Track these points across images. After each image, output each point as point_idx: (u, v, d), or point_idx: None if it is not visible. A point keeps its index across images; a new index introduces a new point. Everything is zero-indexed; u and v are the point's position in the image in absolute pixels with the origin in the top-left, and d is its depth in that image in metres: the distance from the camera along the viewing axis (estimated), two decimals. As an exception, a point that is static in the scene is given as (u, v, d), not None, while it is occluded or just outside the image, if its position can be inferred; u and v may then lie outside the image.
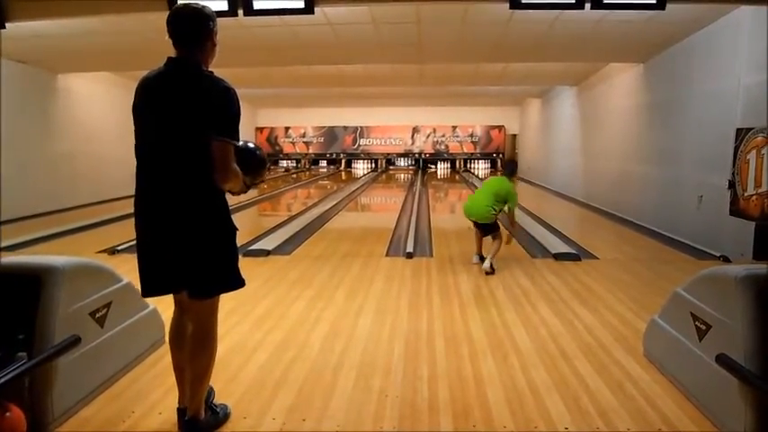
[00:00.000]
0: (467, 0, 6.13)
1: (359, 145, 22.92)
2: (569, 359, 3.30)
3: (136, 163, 2.35)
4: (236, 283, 2.44)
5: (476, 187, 16.36)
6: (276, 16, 6.27)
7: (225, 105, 2.24)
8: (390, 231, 8.01)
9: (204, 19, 2.31)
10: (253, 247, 6.45)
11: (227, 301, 4.47)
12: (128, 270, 4.13)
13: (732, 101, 6.41)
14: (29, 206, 9.27)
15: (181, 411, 2.48)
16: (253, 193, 15.02)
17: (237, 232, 2.41)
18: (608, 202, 10.62)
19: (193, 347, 2.41)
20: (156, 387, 2.90)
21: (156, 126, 2.27)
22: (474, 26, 7.28)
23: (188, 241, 2.29)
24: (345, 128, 22.58)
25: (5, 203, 6.93)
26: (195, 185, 2.25)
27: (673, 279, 4.62)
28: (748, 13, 6.13)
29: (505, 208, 5.59)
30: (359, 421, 2.59)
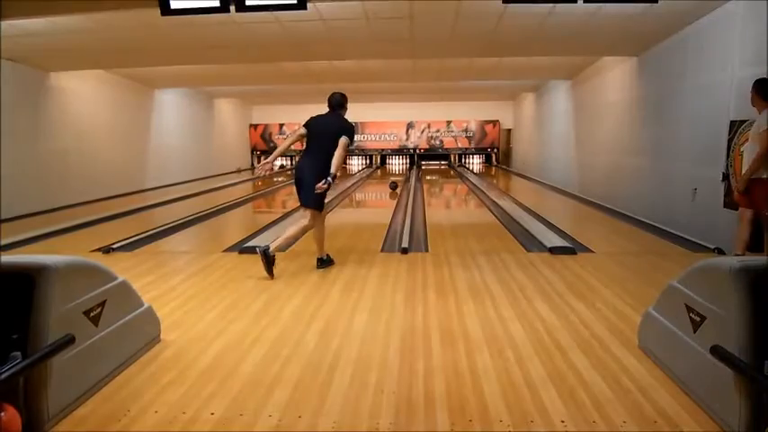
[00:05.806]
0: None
1: (353, 141, 22.86)
2: (565, 352, 3.31)
3: (306, 144, 5.35)
4: (322, 207, 5.38)
5: (469, 180, 16.30)
6: (268, 12, 6.25)
7: (350, 128, 5.30)
8: (385, 227, 8.00)
9: (345, 101, 5.40)
10: (249, 243, 6.42)
11: (224, 297, 4.51)
12: (122, 269, 4.12)
13: (726, 93, 6.42)
14: (21, 205, 9.22)
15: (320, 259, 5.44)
16: (248, 189, 15.04)
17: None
18: (603, 195, 10.64)
19: (315, 232, 5.37)
20: (151, 385, 2.89)
21: (319, 132, 5.26)
22: (467, 21, 7.27)
23: (314, 181, 5.05)
24: (340, 124, 22.49)
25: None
26: (328, 157, 5.10)
27: (667, 271, 4.63)
28: (741, 4, 6.14)
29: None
30: (355, 417, 2.59)
